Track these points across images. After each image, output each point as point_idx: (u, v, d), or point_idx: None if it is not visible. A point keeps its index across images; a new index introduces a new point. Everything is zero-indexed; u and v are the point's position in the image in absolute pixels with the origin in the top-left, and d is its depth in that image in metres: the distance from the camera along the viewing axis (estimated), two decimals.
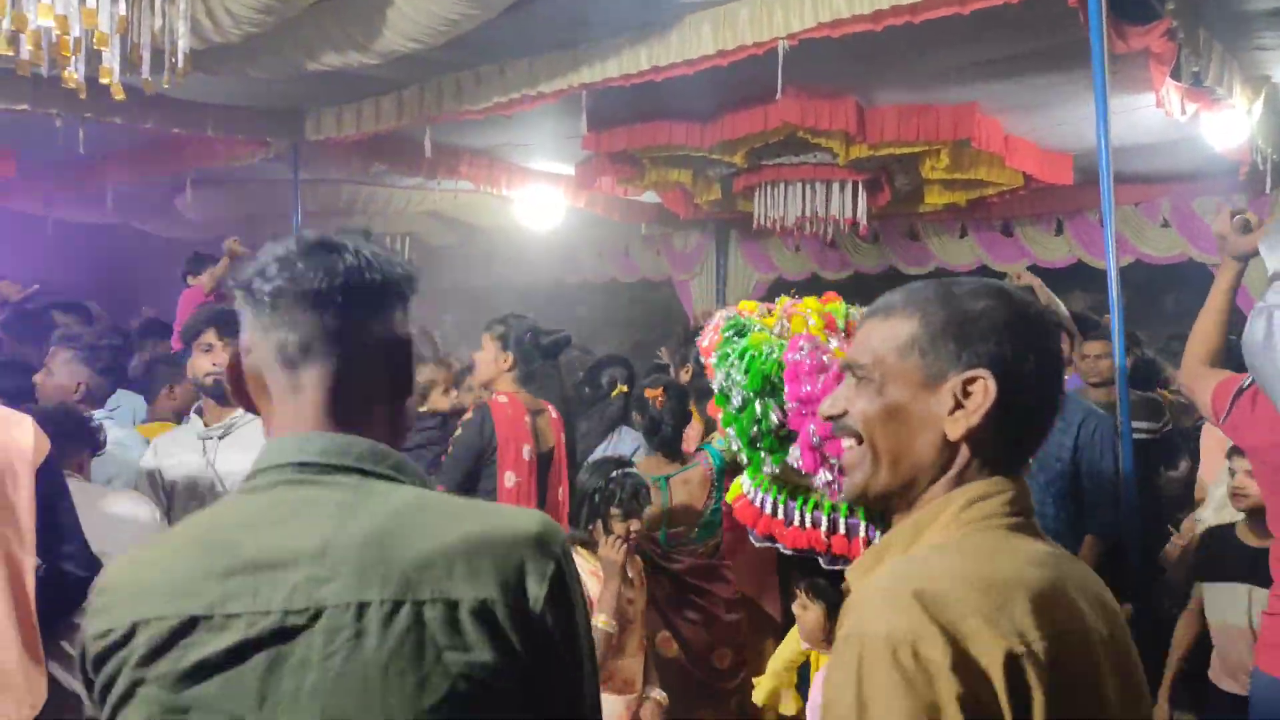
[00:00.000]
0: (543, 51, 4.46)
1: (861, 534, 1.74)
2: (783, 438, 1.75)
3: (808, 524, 1.76)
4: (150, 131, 5.20)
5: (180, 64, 3.04)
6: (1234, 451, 2.66)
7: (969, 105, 4.98)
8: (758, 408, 1.74)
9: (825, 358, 1.71)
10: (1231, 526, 2.74)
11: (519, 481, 2.98)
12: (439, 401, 3.28)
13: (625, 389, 3.38)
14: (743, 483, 1.93)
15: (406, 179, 6.99)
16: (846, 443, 1.05)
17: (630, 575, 2.55)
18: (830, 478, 1.69)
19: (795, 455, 1.72)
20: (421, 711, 0.86)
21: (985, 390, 0.98)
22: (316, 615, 0.87)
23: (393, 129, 5.27)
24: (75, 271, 8.97)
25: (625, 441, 3.33)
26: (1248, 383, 2.05)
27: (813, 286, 9.76)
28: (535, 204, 7.31)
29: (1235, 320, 2.26)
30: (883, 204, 6.27)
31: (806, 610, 2.15)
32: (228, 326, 2.70)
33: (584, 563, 2.48)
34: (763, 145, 5.32)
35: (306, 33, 3.66)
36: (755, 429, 1.75)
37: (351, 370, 1.00)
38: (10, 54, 2.82)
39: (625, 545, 2.39)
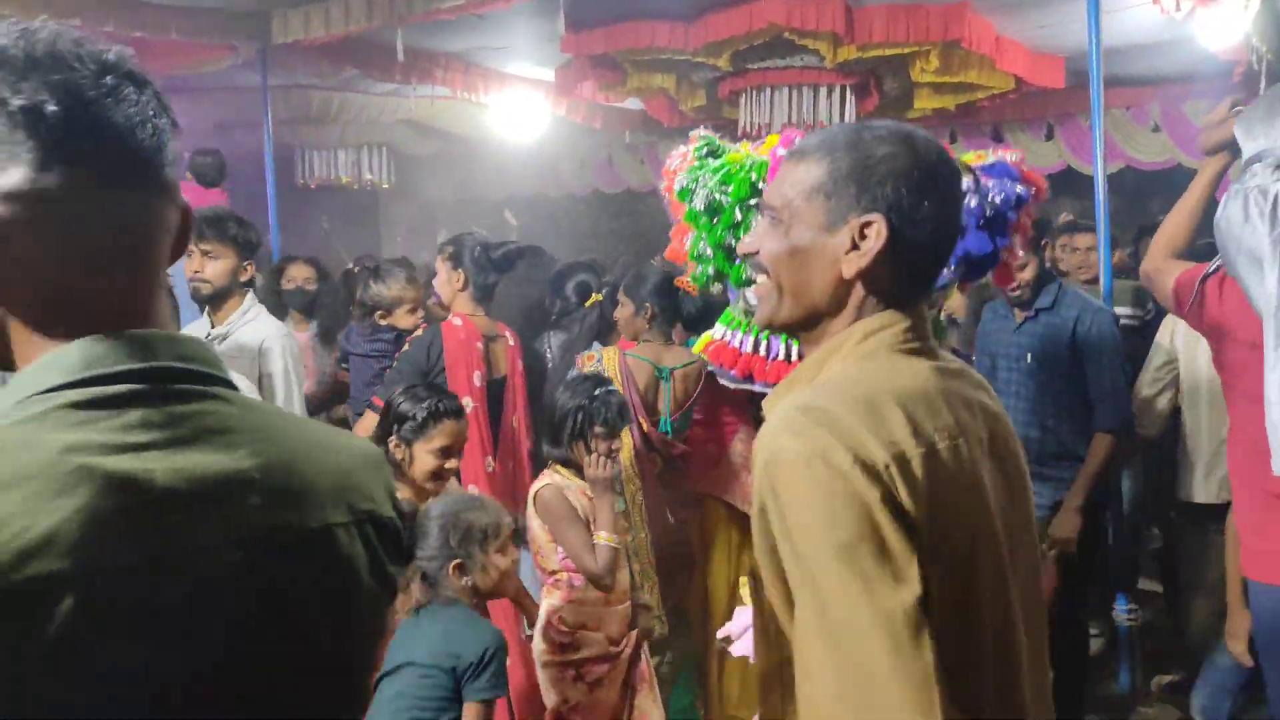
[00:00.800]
0: None
1: None
2: None
3: (793, 356, 1.78)
4: (112, 36, 4.99)
5: None
6: None
7: (960, 4, 4.83)
8: (737, 214, 1.74)
9: None
10: None
11: (475, 407, 2.94)
12: (403, 319, 3.19)
13: (599, 297, 3.28)
14: (714, 332, 1.95)
15: (380, 85, 6.77)
16: (759, 278, 1.13)
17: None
18: None
19: None
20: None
21: (878, 233, 1.04)
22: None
23: (363, 30, 5.07)
24: None
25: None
26: (1214, 268, 2.04)
27: None
28: (514, 111, 7.12)
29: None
30: (871, 109, 6.13)
31: None
32: (203, 232, 2.70)
33: (568, 481, 2.47)
34: (748, 48, 5.16)
35: None
36: (731, 237, 1.76)
37: (165, 248, 0.81)
38: None
39: (610, 462, 2.40)
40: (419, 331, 3.00)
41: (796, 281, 1.08)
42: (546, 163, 9.30)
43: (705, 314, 2.92)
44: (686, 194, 1.80)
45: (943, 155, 1.08)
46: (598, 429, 2.41)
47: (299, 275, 4.32)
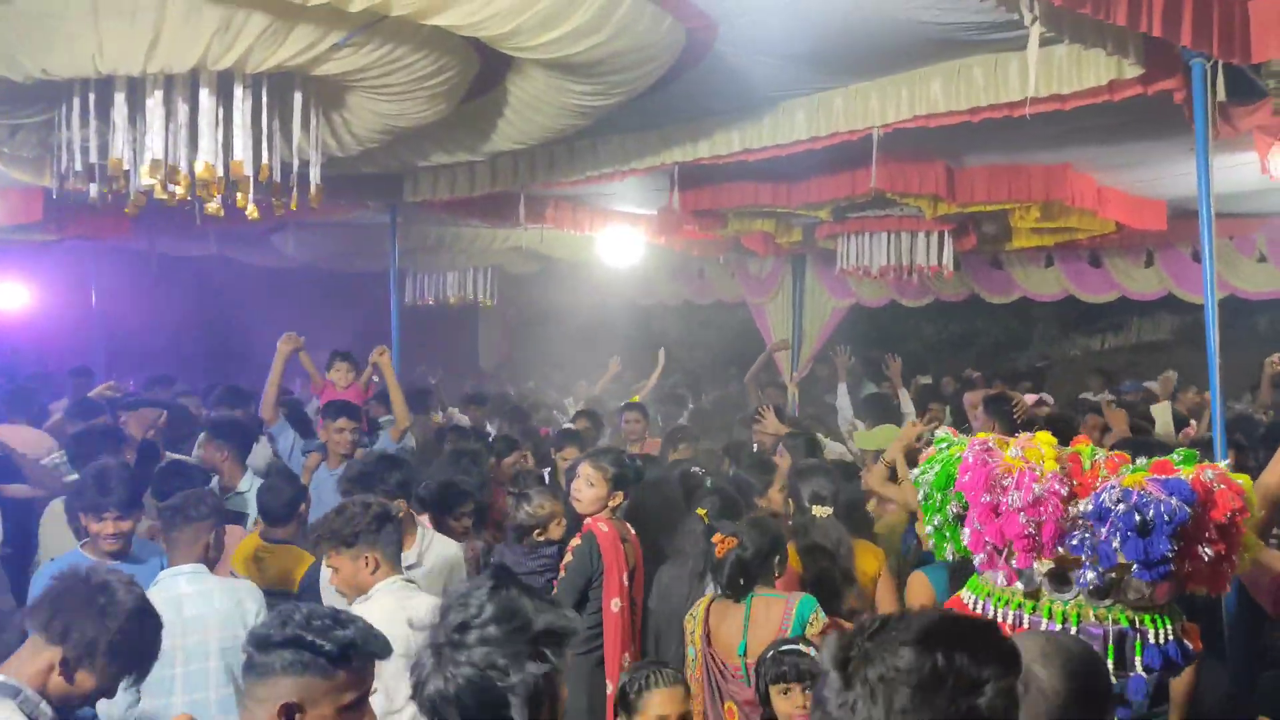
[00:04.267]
0: (634, 130, 4.57)
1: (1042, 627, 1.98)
2: (956, 524, 2.12)
3: (1006, 619, 2.04)
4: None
5: (313, 192, 3.24)
6: None
7: (1061, 166, 4.95)
8: (937, 499, 2.13)
9: (988, 456, 2.03)
10: None
11: (622, 606, 3.20)
12: (555, 532, 3.44)
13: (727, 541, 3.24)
14: (963, 594, 2.24)
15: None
16: None
17: None
18: (985, 557, 2.03)
19: (965, 535, 2.07)
20: None
21: None
22: None
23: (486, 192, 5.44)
24: (180, 298, 9.47)
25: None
26: None
27: (891, 313, 9.74)
28: (616, 241, 7.46)
29: None
30: (968, 248, 6.26)
31: None
32: None
33: None
34: (848, 204, 5.36)
35: (420, 139, 3.84)
36: (938, 518, 2.14)
37: None
38: (164, 197, 3.07)
39: None
40: (577, 540, 3.25)
41: None
42: (640, 275, 9.60)
43: None
44: (917, 483, 2.22)
45: None
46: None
47: None
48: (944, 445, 2.20)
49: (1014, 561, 1.96)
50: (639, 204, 6.67)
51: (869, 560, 3.37)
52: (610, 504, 3.26)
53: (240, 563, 3.35)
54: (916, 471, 2.22)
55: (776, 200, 5.34)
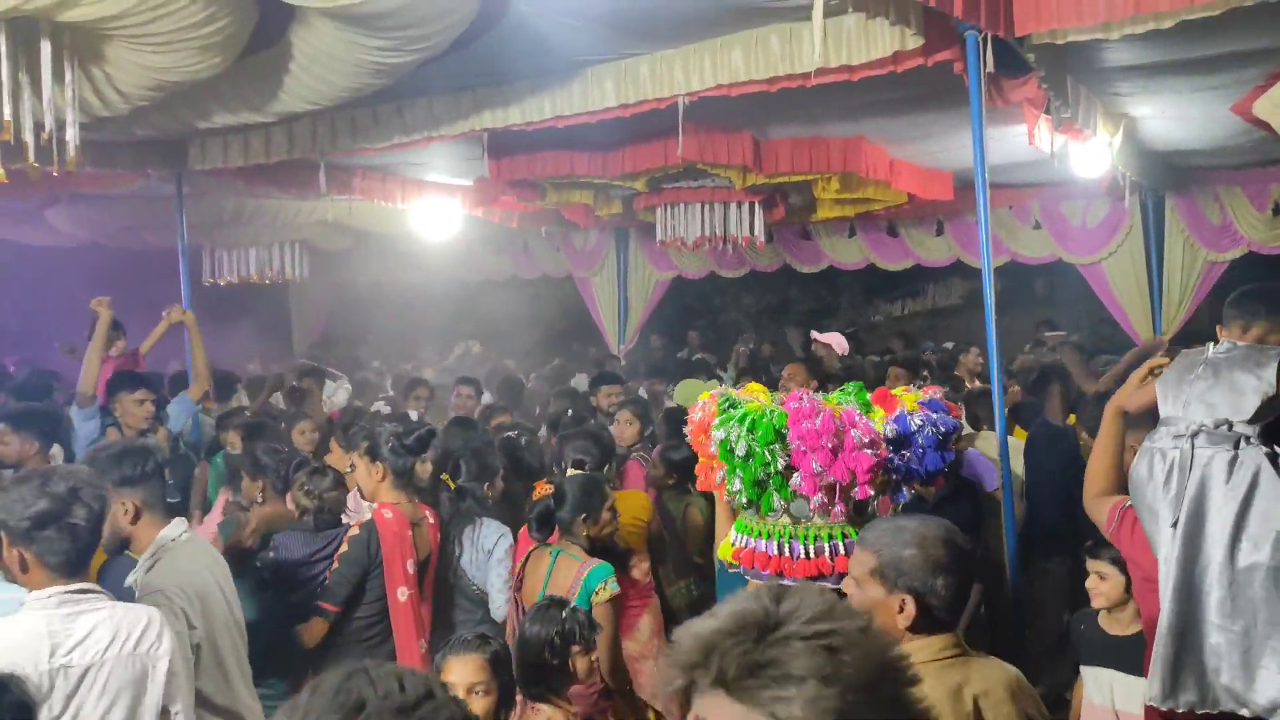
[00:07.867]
0: (441, 93, 4.42)
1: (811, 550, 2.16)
2: (785, 475, 2.18)
3: (812, 555, 2.18)
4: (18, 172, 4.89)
5: (71, 154, 2.92)
6: (1088, 553, 2.89)
7: (856, 139, 5.20)
8: (766, 455, 2.15)
9: (817, 404, 2.15)
10: (1095, 614, 2.91)
11: (410, 594, 3.02)
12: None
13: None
14: (735, 540, 2.31)
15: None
16: None
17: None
18: (823, 500, 2.13)
19: (797, 482, 2.16)
20: None
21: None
22: None
23: (282, 160, 5.12)
24: None
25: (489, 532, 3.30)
26: (1127, 504, 2.25)
27: (712, 284, 9.98)
28: (431, 214, 7.23)
29: None
30: (778, 218, 6.49)
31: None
32: None
33: (556, 714, 2.39)
34: (663, 175, 5.42)
35: (198, 97, 3.55)
36: (764, 471, 2.17)
37: None
38: None
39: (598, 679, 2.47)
40: (355, 530, 3.04)
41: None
42: (464, 250, 9.38)
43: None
44: (725, 445, 2.19)
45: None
46: (575, 648, 2.40)
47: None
48: (727, 405, 2.26)
49: (855, 494, 2.13)
50: (453, 174, 6.49)
51: (636, 508, 3.62)
52: (377, 478, 3.11)
53: None
54: (715, 431, 2.23)
55: (591, 170, 5.32)
